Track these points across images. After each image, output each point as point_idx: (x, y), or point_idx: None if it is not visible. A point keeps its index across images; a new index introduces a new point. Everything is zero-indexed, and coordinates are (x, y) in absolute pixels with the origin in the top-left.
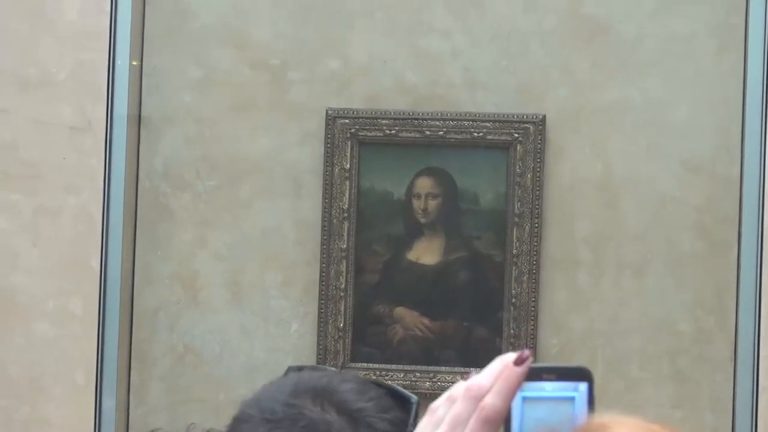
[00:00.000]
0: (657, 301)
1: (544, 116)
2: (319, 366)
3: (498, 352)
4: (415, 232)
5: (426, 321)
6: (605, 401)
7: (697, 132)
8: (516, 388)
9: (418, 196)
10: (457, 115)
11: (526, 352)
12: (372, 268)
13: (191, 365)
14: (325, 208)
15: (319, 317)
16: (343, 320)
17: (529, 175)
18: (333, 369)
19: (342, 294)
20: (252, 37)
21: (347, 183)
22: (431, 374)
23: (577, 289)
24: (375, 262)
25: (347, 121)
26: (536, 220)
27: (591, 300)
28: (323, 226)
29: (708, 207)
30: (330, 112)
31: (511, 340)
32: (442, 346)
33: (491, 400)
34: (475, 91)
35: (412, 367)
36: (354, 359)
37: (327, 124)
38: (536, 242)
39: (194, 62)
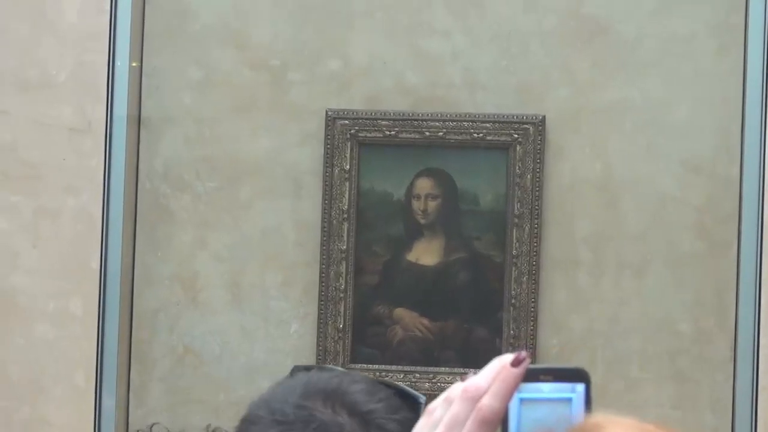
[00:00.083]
0: (657, 301)
1: (544, 117)
2: (327, 366)
3: (498, 352)
4: (414, 232)
5: (426, 322)
6: (605, 401)
7: (697, 132)
8: (513, 389)
9: (418, 197)
10: (456, 115)
11: (523, 353)
12: (372, 269)
13: (191, 366)
14: (324, 209)
15: (319, 318)
16: (342, 321)
17: (528, 176)
18: (341, 369)
19: (342, 295)
20: (252, 37)
21: (347, 184)
22: (431, 375)
23: (577, 290)
24: (375, 263)
25: (347, 121)
26: (536, 221)
27: (591, 300)
28: (323, 227)
29: (708, 207)
30: (330, 112)
31: (511, 340)
32: (441, 346)
33: (488, 401)
34: (475, 92)
35: (412, 368)
36: (354, 360)
37: (327, 125)
38: (536, 243)
39: (194, 63)
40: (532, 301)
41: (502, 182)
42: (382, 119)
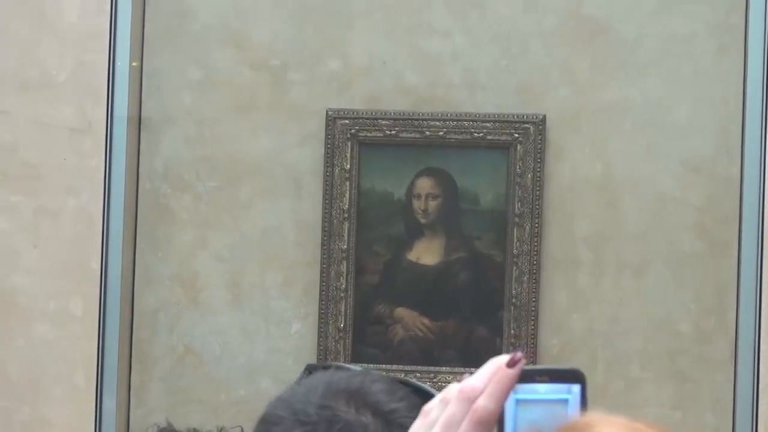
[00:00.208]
0: (657, 301)
1: (544, 116)
2: (343, 365)
3: (498, 352)
4: (415, 232)
5: (426, 321)
6: (606, 401)
7: (697, 132)
8: (509, 390)
9: (419, 197)
10: (457, 115)
11: (519, 354)
12: (372, 268)
13: (191, 366)
14: (325, 208)
15: (320, 318)
16: (343, 321)
17: (529, 176)
18: (358, 368)
19: (342, 294)
20: (252, 37)
21: (347, 183)
22: (432, 374)
23: (578, 289)
24: (375, 263)
25: (347, 121)
26: (536, 220)
27: (591, 300)
28: (323, 227)
29: (708, 207)
30: (330, 112)
31: (512, 340)
32: (442, 346)
33: (484, 402)
34: (475, 92)
35: (413, 368)
36: (354, 360)
37: (327, 125)
38: (536, 242)
39: (194, 63)
40: (533, 301)
41: (502, 182)
42: (383, 119)
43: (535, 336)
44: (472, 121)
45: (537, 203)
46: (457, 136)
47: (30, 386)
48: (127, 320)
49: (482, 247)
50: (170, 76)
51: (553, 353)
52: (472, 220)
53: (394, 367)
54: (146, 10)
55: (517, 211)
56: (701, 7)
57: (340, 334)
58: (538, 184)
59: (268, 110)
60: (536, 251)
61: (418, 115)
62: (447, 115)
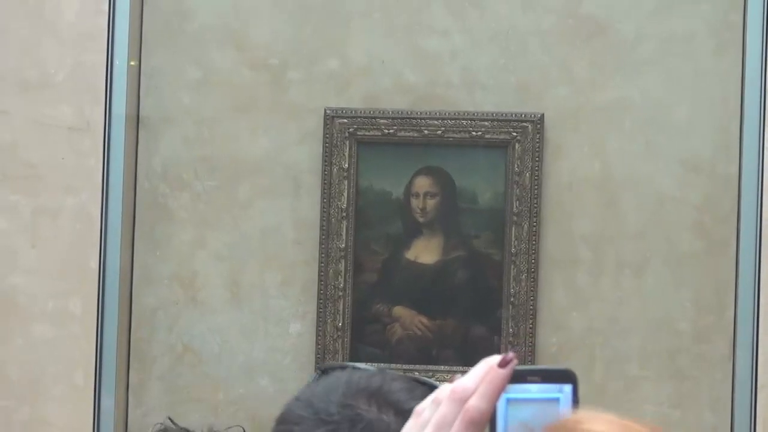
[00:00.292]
0: (656, 300)
1: (543, 115)
2: (357, 364)
3: (497, 350)
4: (413, 231)
5: (425, 320)
6: (605, 400)
7: (696, 131)
8: (500, 390)
9: (417, 195)
10: (455, 114)
11: (510, 354)
12: (371, 267)
13: (190, 365)
14: (323, 207)
15: (318, 317)
16: (341, 319)
17: (527, 174)
18: (371, 367)
19: (341, 293)
20: (251, 37)
21: (346, 182)
22: (430, 373)
23: (576, 288)
24: (374, 262)
25: (346, 120)
26: (535, 219)
27: (590, 299)
28: (322, 226)
29: (707, 206)
30: (329, 111)
31: (510, 339)
32: (440, 345)
33: (476, 402)
34: (474, 91)
35: (411, 366)
36: (353, 358)
37: (326, 124)
38: (535, 241)
39: (193, 62)
40: (531, 300)
41: (500, 180)
42: (381, 118)
43: (533, 335)
44: (471, 119)
45: (535, 202)
46: (455, 135)
47: (29, 386)
48: (125, 319)
49: (480, 246)
50: (169, 75)
51: (551, 352)
52: (471, 218)
53: (393, 365)
54: (144, 9)
55: (515, 210)
56: (700, 7)
57: (339, 333)
58: (536, 183)
59: (266, 109)
60: (534, 250)
61: (417, 114)
62: (445, 113)
